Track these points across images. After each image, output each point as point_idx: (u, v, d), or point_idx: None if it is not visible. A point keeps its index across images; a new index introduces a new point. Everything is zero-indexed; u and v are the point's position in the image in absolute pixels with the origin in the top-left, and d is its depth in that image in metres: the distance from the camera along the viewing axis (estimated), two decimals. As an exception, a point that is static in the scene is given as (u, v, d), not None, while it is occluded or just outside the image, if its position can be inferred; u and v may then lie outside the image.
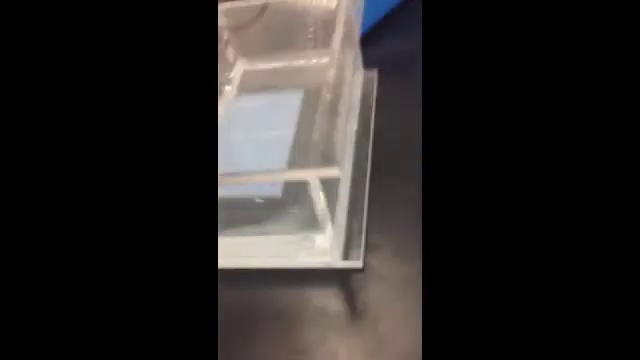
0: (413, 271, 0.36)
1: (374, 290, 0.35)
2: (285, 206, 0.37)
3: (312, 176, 0.29)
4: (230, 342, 0.34)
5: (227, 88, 0.46)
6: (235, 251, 0.37)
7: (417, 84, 0.40)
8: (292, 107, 0.43)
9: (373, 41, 0.52)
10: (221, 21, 0.46)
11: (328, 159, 0.29)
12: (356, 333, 0.34)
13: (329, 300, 0.36)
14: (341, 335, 0.34)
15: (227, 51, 0.47)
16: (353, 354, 0.33)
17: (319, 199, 0.32)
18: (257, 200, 0.33)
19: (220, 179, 0.28)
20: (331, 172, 0.28)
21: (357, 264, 0.36)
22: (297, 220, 0.37)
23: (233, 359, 0.34)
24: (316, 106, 0.42)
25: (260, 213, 0.37)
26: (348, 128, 0.38)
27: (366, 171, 0.41)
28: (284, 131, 0.41)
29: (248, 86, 0.47)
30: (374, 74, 0.48)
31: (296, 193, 0.37)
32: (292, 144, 0.40)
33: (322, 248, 0.36)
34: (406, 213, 0.38)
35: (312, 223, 0.35)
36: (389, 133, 0.44)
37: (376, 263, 0.36)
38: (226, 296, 0.34)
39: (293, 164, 0.38)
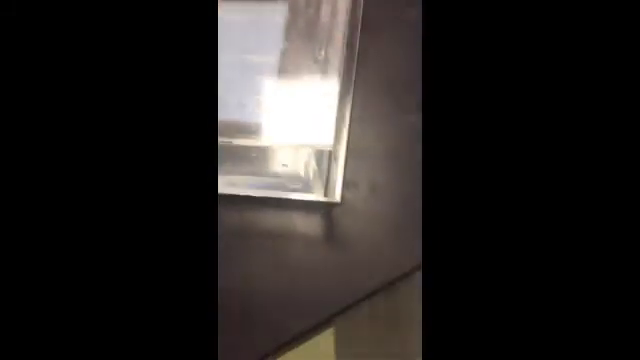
0: (386, 207, 0.41)
1: (349, 221, 0.41)
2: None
3: (308, 149, 0.31)
4: (227, 255, 0.40)
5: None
6: (232, 182, 0.41)
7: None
8: (276, 26, 0.42)
9: None
10: None
11: (321, 123, 0.31)
12: (333, 254, 0.40)
13: (311, 227, 0.41)
14: (320, 254, 0.41)
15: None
16: (328, 269, 0.40)
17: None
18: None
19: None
20: (326, 145, 0.30)
21: (336, 198, 0.40)
22: (285, 160, 0.40)
23: (229, 269, 0.40)
24: (301, 27, 0.41)
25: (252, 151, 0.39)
26: (335, 59, 0.39)
27: (349, 103, 0.42)
28: (269, 56, 0.41)
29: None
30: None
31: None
32: (278, 71, 0.40)
33: (307, 183, 0.40)
34: (384, 151, 0.42)
35: (299, 163, 0.38)
36: (374, 61, 0.44)
37: (352, 198, 0.41)
38: (224, 217, 0.38)
39: (281, 94, 0.39)
